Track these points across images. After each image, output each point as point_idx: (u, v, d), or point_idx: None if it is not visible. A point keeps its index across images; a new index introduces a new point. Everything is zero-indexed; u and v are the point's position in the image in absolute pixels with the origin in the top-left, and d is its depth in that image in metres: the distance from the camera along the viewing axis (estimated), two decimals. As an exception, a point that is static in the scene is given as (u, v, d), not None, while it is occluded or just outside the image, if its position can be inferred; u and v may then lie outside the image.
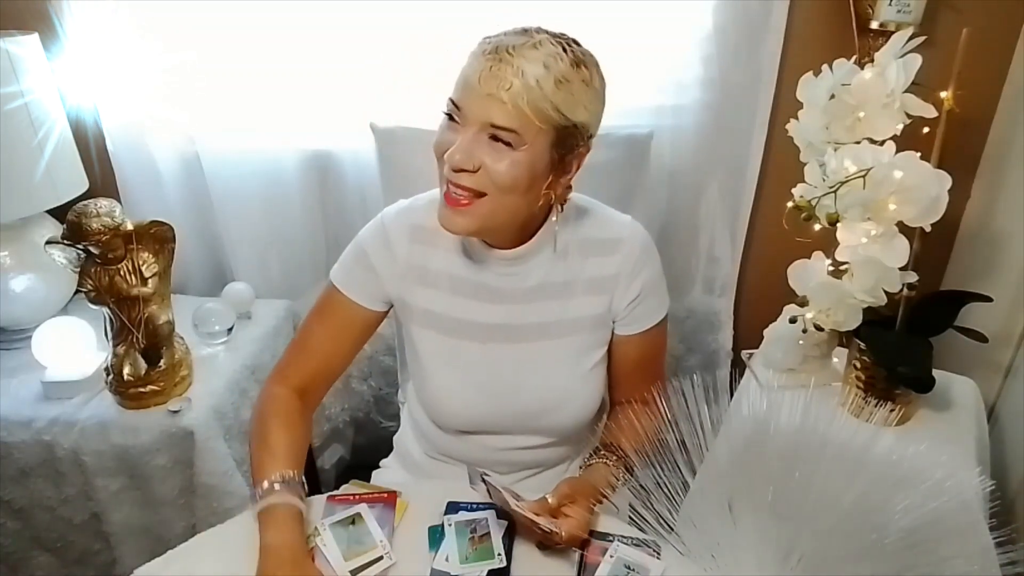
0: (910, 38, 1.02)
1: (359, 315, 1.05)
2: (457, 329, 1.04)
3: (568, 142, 0.89)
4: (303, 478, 0.94)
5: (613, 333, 1.07)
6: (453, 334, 1.04)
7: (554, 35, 0.87)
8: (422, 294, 1.04)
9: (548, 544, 0.89)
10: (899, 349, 1.09)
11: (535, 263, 1.01)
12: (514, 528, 0.91)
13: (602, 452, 1.02)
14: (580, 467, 1.05)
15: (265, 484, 0.90)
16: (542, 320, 1.03)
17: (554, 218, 0.99)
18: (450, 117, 0.89)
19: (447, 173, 0.89)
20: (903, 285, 1.06)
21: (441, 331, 1.04)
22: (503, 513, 0.92)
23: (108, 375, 1.31)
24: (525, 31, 0.86)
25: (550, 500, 0.89)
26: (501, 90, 0.83)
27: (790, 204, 1.09)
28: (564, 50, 0.85)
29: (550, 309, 1.03)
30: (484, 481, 0.89)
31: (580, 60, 0.87)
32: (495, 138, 0.86)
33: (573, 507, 0.90)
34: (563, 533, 0.86)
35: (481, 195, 0.89)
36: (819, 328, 1.13)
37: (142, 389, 1.30)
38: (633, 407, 1.03)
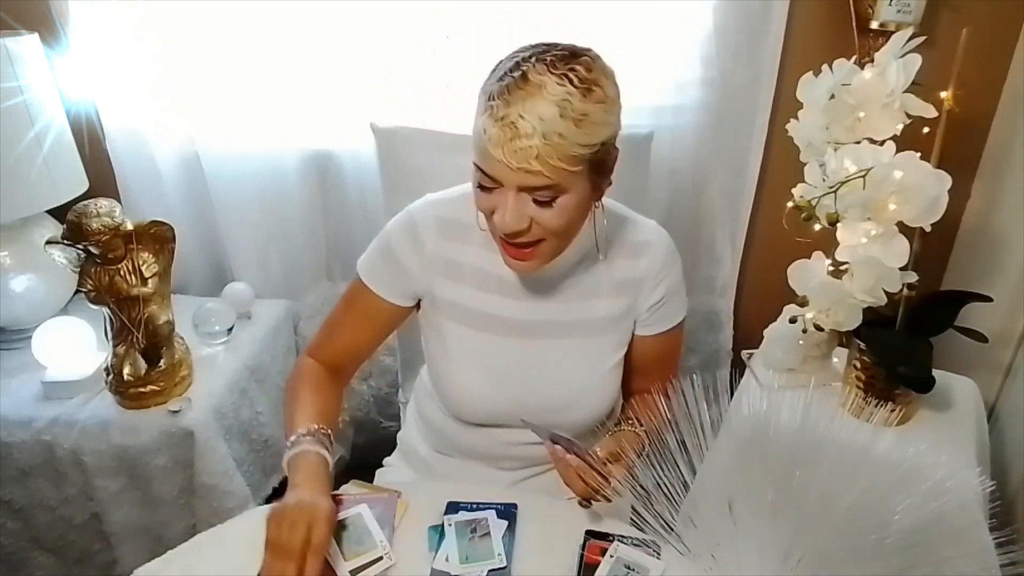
0: (910, 38, 1.02)
1: (382, 308, 1.07)
2: (483, 323, 1.05)
3: (602, 161, 0.88)
4: (330, 432, 0.98)
5: (633, 334, 1.09)
6: (479, 327, 1.05)
7: (552, 62, 0.81)
8: (449, 287, 1.05)
9: (592, 499, 0.90)
10: (899, 349, 1.09)
11: (565, 263, 1.02)
12: (514, 528, 0.91)
13: (626, 422, 1.04)
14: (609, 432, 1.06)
15: (293, 437, 0.96)
16: (567, 318, 1.04)
17: (597, 222, 0.98)
18: (481, 183, 0.88)
19: (501, 234, 0.90)
20: (903, 285, 1.06)
21: (467, 324, 1.05)
22: (503, 513, 0.92)
23: (108, 375, 1.31)
24: (523, 76, 0.80)
25: (600, 452, 0.92)
26: (528, 160, 0.80)
27: (790, 204, 1.09)
28: (570, 81, 0.80)
29: (576, 308, 1.04)
30: (555, 439, 0.92)
31: (588, 83, 0.81)
32: (536, 199, 0.86)
33: (616, 465, 0.92)
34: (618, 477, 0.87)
35: (540, 240, 0.90)
36: (819, 328, 1.13)
37: (142, 389, 1.30)
38: (650, 394, 1.04)
